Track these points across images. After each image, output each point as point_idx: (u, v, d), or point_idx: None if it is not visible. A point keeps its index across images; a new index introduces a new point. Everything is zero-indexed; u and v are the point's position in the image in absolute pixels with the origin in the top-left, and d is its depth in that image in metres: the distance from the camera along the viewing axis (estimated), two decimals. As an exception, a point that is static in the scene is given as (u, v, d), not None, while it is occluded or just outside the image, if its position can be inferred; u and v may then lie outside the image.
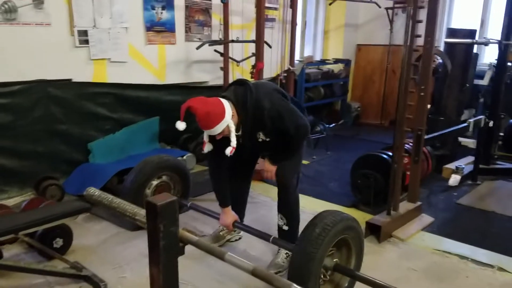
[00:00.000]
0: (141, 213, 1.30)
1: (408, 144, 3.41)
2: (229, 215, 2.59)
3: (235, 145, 2.19)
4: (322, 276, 2.07)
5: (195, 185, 3.29)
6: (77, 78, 3.61)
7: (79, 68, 3.62)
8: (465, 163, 4.29)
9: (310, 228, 2.01)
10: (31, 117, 3.37)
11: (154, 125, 4.19)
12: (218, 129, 2.15)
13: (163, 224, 1.12)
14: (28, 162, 3.40)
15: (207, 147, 2.34)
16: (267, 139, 2.37)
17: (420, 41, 3.04)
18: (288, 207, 2.55)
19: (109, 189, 3.27)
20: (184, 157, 4.07)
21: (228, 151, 2.18)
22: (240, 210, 2.77)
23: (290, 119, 2.30)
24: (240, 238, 2.86)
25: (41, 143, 3.47)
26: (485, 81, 5.19)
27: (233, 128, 2.18)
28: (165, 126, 4.22)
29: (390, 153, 3.33)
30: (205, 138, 2.33)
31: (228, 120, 2.16)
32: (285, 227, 2.53)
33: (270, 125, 2.28)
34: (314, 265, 1.92)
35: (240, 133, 2.28)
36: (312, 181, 4.07)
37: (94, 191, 1.51)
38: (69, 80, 3.57)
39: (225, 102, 2.19)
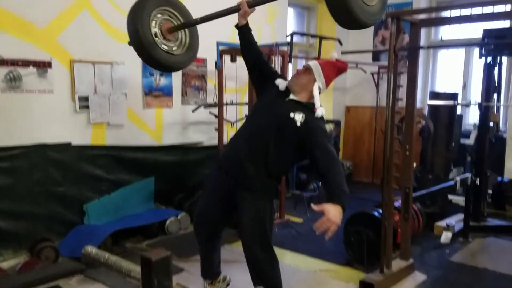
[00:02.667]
0: (136, 269, 1.36)
1: (398, 201, 3.50)
2: None
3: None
4: None
5: (189, 245, 3.32)
6: (76, 141, 3.75)
7: (78, 132, 3.77)
8: (456, 220, 4.35)
9: None
10: (29, 179, 3.46)
11: (149, 185, 4.28)
12: (316, 74, 2.40)
13: (157, 279, 1.18)
14: (25, 224, 3.45)
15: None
16: (296, 124, 2.31)
17: (403, 103, 3.24)
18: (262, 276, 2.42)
19: (103, 250, 3.28)
20: (178, 217, 4.11)
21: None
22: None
23: (325, 143, 2.29)
24: (228, 286, 2.84)
25: (38, 205, 3.53)
26: (471, 140, 5.37)
27: (316, 91, 2.39)
28: (161, 186, 4.31)
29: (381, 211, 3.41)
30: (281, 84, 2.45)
31: (319, 83, 2.40)
32: None
33: (307, 128, 2.30)
34: None
35: (284, 87, 2.42)
36: (306, 239, 4.10)
37: (91, 249, 1.57)
38: (68, 143, 3.69)
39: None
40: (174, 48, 2.66)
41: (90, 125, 3.85)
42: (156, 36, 2.55)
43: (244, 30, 2.53)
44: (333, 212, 2.11)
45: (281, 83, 2.46)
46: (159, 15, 2.58)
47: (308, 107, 2.38)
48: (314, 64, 2.44)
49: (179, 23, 2.68)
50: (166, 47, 2.61)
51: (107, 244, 3.52)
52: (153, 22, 2.55)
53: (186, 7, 2.76)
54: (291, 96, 2.40)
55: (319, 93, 2.41)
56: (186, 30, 2.74)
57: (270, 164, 2.35)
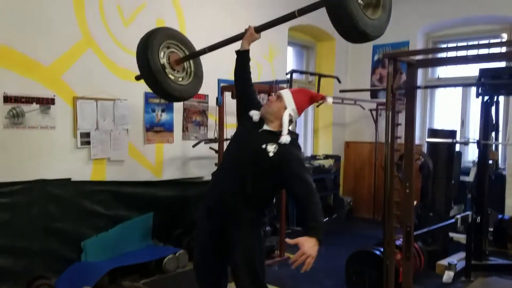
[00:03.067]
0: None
1: (399, 240, 3.46)
2: None
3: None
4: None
5: (188, 284, 3.26)
6: (76, 177, 3.75)
7: (78, 168, 3.78)
8: (458, 259, 4.29)
9: None
10: (28, 215, 3.45)
11: (148, 222, 4.24)
12: (286, 102, 2.40)
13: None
14: (22, 260, 3.40)
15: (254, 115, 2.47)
16: (268, 156, 2.30)
17: (402, 141, 3.26)
18: None
19: (100, 288, 3.23)
20: (176, 254, 4.06)
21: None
22: None
23: (301, 173, 2.26)
24: None
25: (36, 241, 3.49)
26: (471, 177, 5.37)
27: (286, 118, 2.37)
28: (159, 222, 4.27)
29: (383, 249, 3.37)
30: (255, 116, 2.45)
31: (290, 111, 2.39)
32: None
33: (279, 159, 2.28)
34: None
35: (258, 119, 2.43)
36: (307, 278, 4.03)
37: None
38: (68, 179, 3.70)
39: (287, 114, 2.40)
40: (180, 79, 2.82)
41: (90, 161, 3.87)
42: (164, 67, 2.69)
43: (244, 56, 2.58)
44: (307, 245, 2.07)
45: (254, 114, 2.47)
46: (166, 48, 2.74)
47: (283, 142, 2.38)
48: (285, 92, 2.48)
49: (186, 54, 2.80)
50: (173, 77, 2.75)
51: (104, 282, 3.46)
52: (162, 53, 2.70)
53: (190, 41, 2.91)
54: (265, 127, 2.42)
55: (292, 120, 2.44)
56: (191, 61, 2.89)
57: (249, 197, 2.34)
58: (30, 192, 3.46)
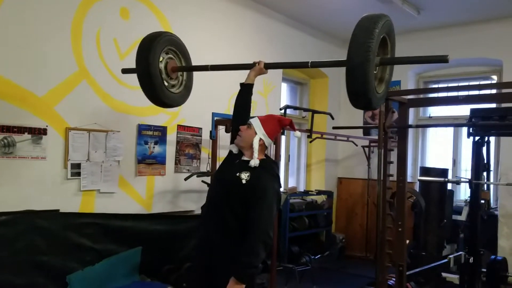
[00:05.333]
0: None
1: (392, 280, 3.41)
2: None
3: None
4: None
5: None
6: (65, 208, 3.68)
7: (67, 199, 3.71)
8: (451, 300, 4.23)
9: None
10: (13, 248, 3.34)
11: (136, 256, 4.14)
12: (256, 128, 2.51)
13: None
14: (4, 294, 3.28)
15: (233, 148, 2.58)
16: (243, 183, 2.38)
17: (394, 178, 3.27)
18: None
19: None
20: (165, 291, 3.95)
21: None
22: None
23: (261, 211, 2.32)
24: None
25: (20, 275, 3.36)
26: (463, 217, 5.36)
27: (256, 143, 2.46)
28: (148, 256, 4.17)
29: (374, 290, 3.31)
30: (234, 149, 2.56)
31: (259, 137, 2.48)
32: None
33: (250, 186, 2.35)
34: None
35: (237, 150, 2.53)
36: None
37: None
38: (56, 210, 3.63)
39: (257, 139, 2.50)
40: (171, 87, 2.89)
41: (80, 193, 3.81)
42: (161, 72, 2.76)
43: (248, 89, 2.66)
44: (230, 285, 2.22)
45: (233, 147, 2.58)
46: (165, 54, 2.81)
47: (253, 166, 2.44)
48: (254, 119, 2.57)
49: (185, 65, 2.88)
50: (166, 84, 2.81)
51: (88, 320, 3.34)
52: (161, 57, 2.77)
53: (189, 54, 3.01)
54: (243, 157, 2.51)
55: (265, 145, 2.52)
56: (185, 72, 2.98)
57: (230, 230, 2.37)
58: (17, 223, 3.37)
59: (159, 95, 2.79)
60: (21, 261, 3.38)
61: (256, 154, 2.44)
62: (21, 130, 3.40)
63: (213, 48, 4.91)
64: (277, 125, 2.61)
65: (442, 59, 2.00)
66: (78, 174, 3.78)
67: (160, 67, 2.76)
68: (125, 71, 3.14)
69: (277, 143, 4.62)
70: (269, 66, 2.63)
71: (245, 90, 2.66)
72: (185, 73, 3.00)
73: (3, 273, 3.28)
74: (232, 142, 2.65)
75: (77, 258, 3.72)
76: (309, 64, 2.44)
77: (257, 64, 2.61)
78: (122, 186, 4.14)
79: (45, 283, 3.52)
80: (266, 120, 2.56)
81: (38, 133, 3.50)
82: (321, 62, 2.40)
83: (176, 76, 2.92)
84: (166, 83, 2.81)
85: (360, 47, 2.06)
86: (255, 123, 2.53)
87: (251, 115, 2.71)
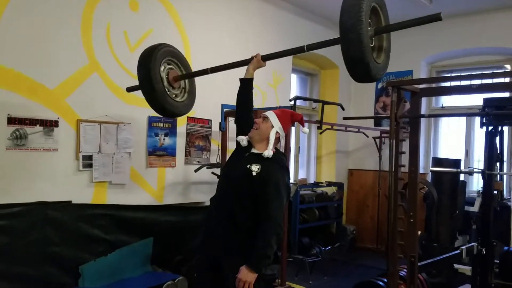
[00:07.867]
0: None
1: (403, 271, 3.39)
2: None
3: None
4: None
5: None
6: (77, 200, 3.72)
7: (79, 191, 3.75)
8: (463, 291, 4.19)
9: None
10: (26, 239, 3.39)
11: (147, 247, 4.18)
12: (272, 121, 2.53)
13: None
14: (18, 285, 3.32)
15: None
16: (253, 175, 2.40)
17: (406, 169, 3.23)
18: None
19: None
20: (176, 281, 3.98)
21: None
22: None
23: (273, 202, 2.34)
24: None
25: (33, 266, 3.42)
26: (475, 208, 5.30)
27: (272, 136, 2.49)
28: (159, 247, 4.20)
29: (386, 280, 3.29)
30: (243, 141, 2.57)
31: (277, 129, 2.52)
32: None
33: (260, 179, 2.37)
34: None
35: (246, 143, 2.54)
36: (308, 309, 3.94)
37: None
38: (69, 202, 3.66)
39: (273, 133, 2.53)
40: (174, 96, 2.91)
41: (92, 184, 3.84)
42: (163, 81, 2.78)
43: (248, 84, 2.67)
44: (242, 273, 2.25)
45: (242, 140, 2.59)
46: (165, 64, 2.83)
47: (265, 158, 2.46)
48: (269, 113, 2.60)
49: (185, 72, 2.87)
50: (169, 93, 2.83)
51: (100, 309, 3.38)
52: (162, 67, 2.79)
53: (188, 63, 3.03)
54: (252, 150, 2.53)
55: (279, 139, 2.57)
56: (186, 80, 2.99)
57: (237, 221, 2.39)
58: (29, 215, 3.41)
59: (163, 103, 2.79)
60: (34, 252, 3.43)
61: (271, 146, 2.47)
62: (32, 122, 3.43)
63: (222, 38, 4.88)
64: (290, 120, 2.65)
65: (436, 17, 1.96)
66: (90, 165, 3.81)
67: (162, 76, 2.79)
68: (130, 89, 3.23)
69: (287, 134, 4.59)
70: (266, 57, 2.62)
71: (245, 85, 2.66)
72: (187, 81, 3.02)
73: (16, 264, 3.33)
74: (238, 134, 2.66)
75: (89, 249, 3.77)
76: (305, 47, 2.40)
77: (254, 58, 2.61)
78: (134, 177, 4.16)
79: (57, 274, 3.57)
80: (281, 115, 2.59)
81: (49, 125, 3.53)
82: (317, 43, 2.37)
83: (178, 85, 2.95)
84: (169, 92, 2.84)
85: (350, 10, 2.02)
86: (272, 117, 2.56)
87: (262, 106, 2.71)
